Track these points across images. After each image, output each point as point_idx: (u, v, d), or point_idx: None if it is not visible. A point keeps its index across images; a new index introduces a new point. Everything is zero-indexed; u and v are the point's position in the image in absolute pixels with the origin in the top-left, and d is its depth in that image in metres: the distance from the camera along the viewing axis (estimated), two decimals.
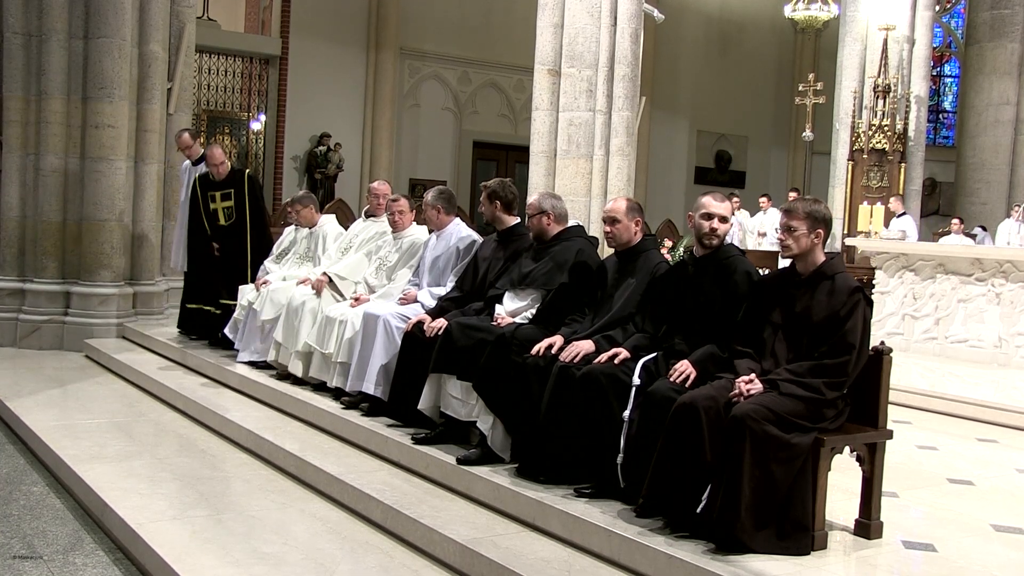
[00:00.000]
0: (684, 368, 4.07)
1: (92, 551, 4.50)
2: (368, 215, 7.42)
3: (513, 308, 5.23)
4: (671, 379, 4.06)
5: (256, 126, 17.57)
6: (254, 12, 17.93)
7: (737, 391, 3.78)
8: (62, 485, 5.47)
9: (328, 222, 7.77)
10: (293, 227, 7.98)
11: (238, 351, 7.47)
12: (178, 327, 8.69)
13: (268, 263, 7.91)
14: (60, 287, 9.37)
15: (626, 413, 4.16)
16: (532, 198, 5.42)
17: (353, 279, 6.91)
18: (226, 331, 7.70)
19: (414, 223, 6.73)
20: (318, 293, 6.85)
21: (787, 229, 4.01)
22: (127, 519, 4.54)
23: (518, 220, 5.74)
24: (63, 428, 6.30)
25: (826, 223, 4.01)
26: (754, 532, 3.67)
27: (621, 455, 4.15)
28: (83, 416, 6.77)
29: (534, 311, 5.14)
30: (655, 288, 4.59)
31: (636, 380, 4.19)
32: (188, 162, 9.16)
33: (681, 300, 4.41)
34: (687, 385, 3.99)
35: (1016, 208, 14.25)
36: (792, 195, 14.54)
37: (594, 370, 4.32)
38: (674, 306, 4.44)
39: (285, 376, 6.82)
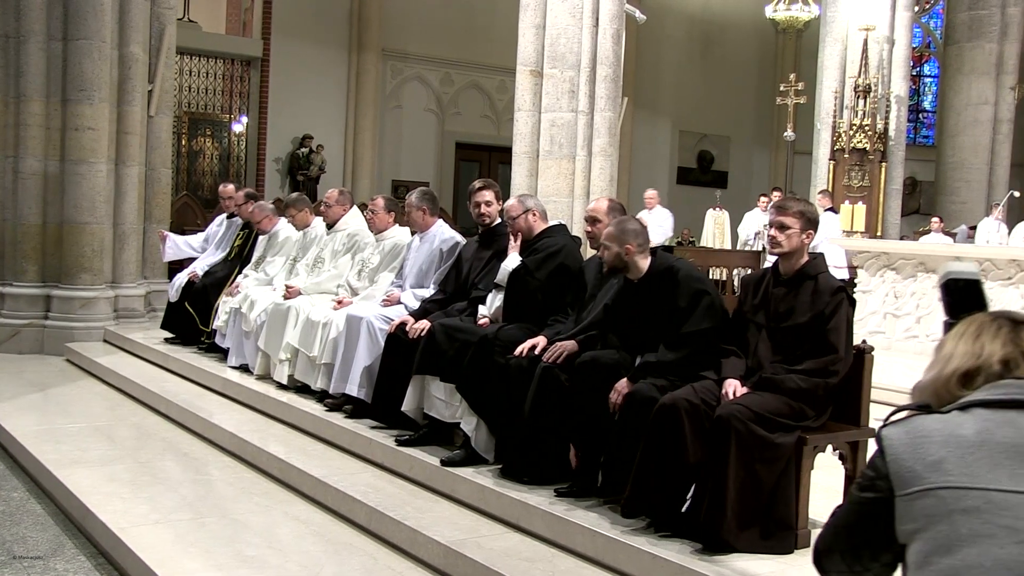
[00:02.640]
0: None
1: (74, 556, 4.47)
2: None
3: (496, 308, 5.22)
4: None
5: (238, 128, 17.48)
6: (235, 14, 17.84)
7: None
8: (43, 490, 5.42)
9: (284, 227, 7.88)
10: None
11: (226, 349, 7.48)
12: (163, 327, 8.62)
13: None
14: (40, 291, 9.29)
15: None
16: (510, 202, 5.37)
17: (318, 291, 6.92)
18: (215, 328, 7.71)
19: (396, 225, 6.71)
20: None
21: (780, 227, 3.95)
22: (109, 523, 4.50)
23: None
24: (44, 432, 6.25)
25: (815, 225, 4.02)
26: (739, 532, 3.67)
27: (604, 455, 4.16)
28: (64, 420, 6.72)
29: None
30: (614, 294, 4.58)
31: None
32: (225, 216, 8.92)
33: (633, 310, 4.38)
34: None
35: (995, 207, 14.33)
36: (776, 195, 14.57)
37: (601, 358, 4.31)
38: (629, 315, 4.41)
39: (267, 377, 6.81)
